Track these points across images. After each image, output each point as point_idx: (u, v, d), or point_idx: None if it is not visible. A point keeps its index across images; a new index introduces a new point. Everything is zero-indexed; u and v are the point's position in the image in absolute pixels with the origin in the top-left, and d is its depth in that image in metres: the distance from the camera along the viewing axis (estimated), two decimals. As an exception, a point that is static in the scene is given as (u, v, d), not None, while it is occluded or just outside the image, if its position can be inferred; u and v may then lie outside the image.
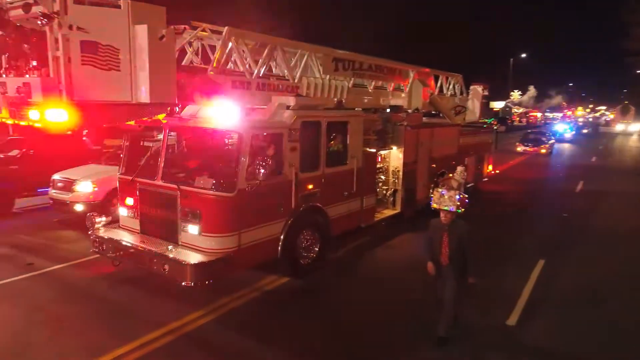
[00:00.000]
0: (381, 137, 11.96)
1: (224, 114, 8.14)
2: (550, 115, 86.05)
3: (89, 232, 8.91)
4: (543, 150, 34.20)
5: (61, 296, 8.42)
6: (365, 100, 12.39)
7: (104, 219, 9.09)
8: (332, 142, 10.13)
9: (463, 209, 7.02)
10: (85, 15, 6.31)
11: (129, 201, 8.90)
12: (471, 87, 17.59)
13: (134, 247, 8.24)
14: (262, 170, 7.79)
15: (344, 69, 11.26)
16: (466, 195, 7.31)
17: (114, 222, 9.26)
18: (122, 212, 9.07)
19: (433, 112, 16.59)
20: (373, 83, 12.57)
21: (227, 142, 7.94)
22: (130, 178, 8.80)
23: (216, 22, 9.31)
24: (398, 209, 12.58)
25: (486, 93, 17.44)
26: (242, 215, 7.99)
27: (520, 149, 34.75)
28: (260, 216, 8.35)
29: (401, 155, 12.37)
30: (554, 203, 17.62)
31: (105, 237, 8.68)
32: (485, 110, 18.09)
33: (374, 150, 11.57)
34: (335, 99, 11.07)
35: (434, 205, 7.09)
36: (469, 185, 16.50)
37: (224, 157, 8.08)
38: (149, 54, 6.60)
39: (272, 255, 8.74)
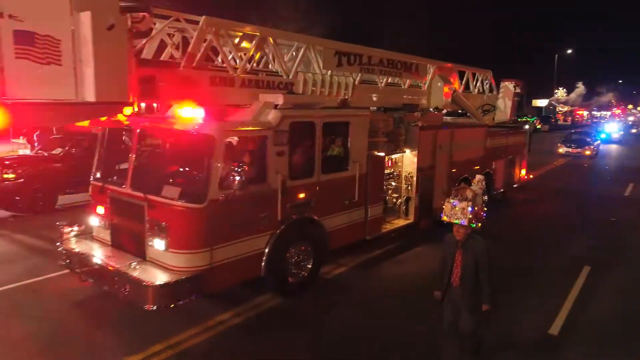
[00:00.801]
0: (392, 139, 10.80)
1: (195, 113, 7.15)
2: (597, 113, 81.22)
3: (57, 244, 8.16)
4: (587, 152, 31.87)
5: (101, 292, 7.91)
6: (376, 99, 11.22)
7: (75, 228, 8.33)
8: (330, 145, 9.07)
9: (479, 224, 6.05)
10: (18, 0, 5.48)
11: (100, 210, 8.10)
12: (502, 84, 16.10)
13: (99, 262, 7.42)
14: (238, 178, 6.82)
15: (349, 63, 10.15)
16: (484, 208, 6.28)
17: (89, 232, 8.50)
18: (94, 221, 8.28)
19: (460, 111, 15.28)
20: (385, 79, 11.40)
21: (200, 145, 7.01)
22: (101, 184, 8.01)
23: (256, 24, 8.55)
24: (411, 219, 11.37)
25: (518, 90, 15.90)
26: (215, 228, 7.03)
27: (562, 150, 32.51)
28: (239, 229, 7.38)
29: (415, 159, 11.16)
30: (600, 208, 16.19)
31: (74, 249, 7.90)
32: (519, 109, 16.53)
33: (382, 153, 10.42)
34: (341, 97, 9.97)
35: (444, 218, 6.16)
36: (497, 192, 15.11)
37: (197, 163, 7.15)
38: (94, 45, 5.70)
39: (254, 273, 7.76)
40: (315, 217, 8.64)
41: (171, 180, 7.20)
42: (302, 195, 8.35)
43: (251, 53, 8.43)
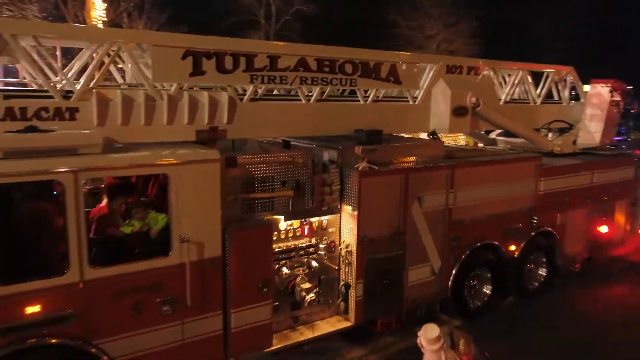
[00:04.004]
0: (311, 192, 6.55)
1: None
2: None
3: None
4: None
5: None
6: (297, 124, 7.00)
7: None
8: (118, 216, 5.31)
9: None
10: None
11: None
12: (590, 88, 10.21)
13: None
14: None
15: (221, 69, 6.13)
16: None
17: None
18: None
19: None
20: (315, 92, 7.09)
21: None
22: None
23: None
24: (351, 321, 6.93)
25: (617, 98, 9.90)
26: None
27: None
28: None
29: (354, 224, 6.70)
30: None
31: None
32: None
33: (280, 217, 6.30)
34: (202, 127, 6.11)
35: None
36: (573, 261, 9.61)
37: None
38: None
39: None
40: (74, 343, 4.97)
41: None
42: (35, 309, 4.76)
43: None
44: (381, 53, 7.47)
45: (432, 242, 7.44)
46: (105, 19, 25.20)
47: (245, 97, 6.47)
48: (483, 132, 10.42)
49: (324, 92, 7.29)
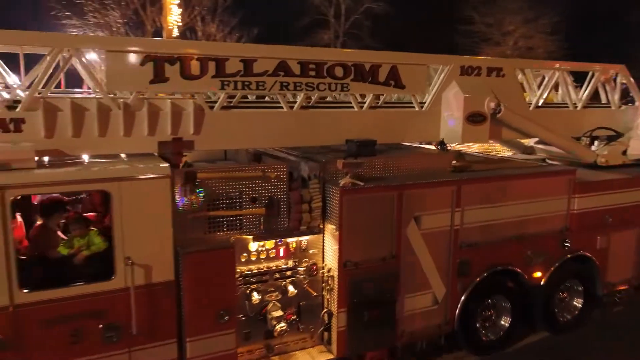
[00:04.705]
0: (288, 209, 5.92)
1: None
2: None
3: None
4: None
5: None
6: (278, 134, 6.35)
7: None
8: (54, 235, 4.94)
9: None
10: None
11: None
12: (643, 90, 8.79)
13: None
14: None
15: (187, 76, 5.62)
16: None
17: None
18: None
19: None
20: (300, 98, 6.42)
21: None
22: None
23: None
24: (333, 353, 6.20)
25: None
26: None
27: None
28: None
29: (336, 246, 5.98)
30: None
31: None
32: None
33: (248, 237, 5.71)
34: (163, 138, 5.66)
35: None
36: (617, 288, 8.33)
37: None
38: None
39: None
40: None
41: None
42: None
43: None
44: (377, 54, 6.67)
45: (433, 267, 6.56)
46: (180, 24, 25.89)
47: (217, 105, 5.93)
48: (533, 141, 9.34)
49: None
